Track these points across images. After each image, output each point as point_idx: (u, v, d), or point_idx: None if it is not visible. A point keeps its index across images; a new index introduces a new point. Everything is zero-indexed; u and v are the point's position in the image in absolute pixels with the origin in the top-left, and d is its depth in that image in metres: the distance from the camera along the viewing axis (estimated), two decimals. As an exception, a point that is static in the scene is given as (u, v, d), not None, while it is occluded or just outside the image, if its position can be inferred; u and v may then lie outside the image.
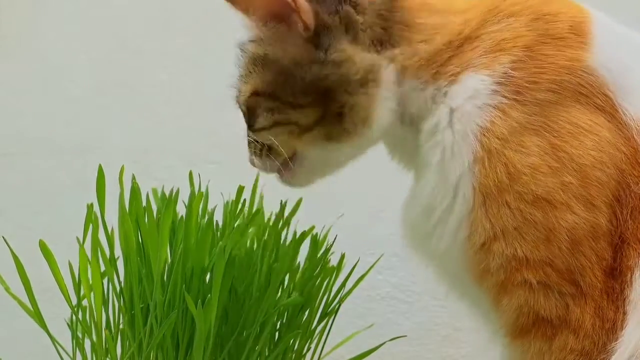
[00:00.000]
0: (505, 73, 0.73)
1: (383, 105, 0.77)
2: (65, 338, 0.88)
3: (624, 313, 0.68)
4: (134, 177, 0.86)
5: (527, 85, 0.72)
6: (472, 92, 0.73)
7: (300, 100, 0.77)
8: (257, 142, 0.82)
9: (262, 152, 0.82)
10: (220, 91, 1.42)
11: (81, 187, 1.38)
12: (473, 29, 0.76)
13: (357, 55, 0.76)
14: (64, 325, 0.89)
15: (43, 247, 0.86)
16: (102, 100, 1.44)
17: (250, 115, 0.82)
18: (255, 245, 0.89)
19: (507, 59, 0.73)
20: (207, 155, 1.38)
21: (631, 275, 0.69)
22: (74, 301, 0.87)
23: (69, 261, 0.87)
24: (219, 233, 0.89)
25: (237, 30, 1.43)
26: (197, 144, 1.40)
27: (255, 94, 0.81)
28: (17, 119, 1.45)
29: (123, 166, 0.88)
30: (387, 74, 0.77)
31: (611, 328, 0.69)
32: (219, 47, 1.43)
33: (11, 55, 1.48)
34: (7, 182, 1.43)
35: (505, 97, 0.72)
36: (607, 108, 0.72)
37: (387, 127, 0.79)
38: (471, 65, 0.74)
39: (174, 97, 1.43)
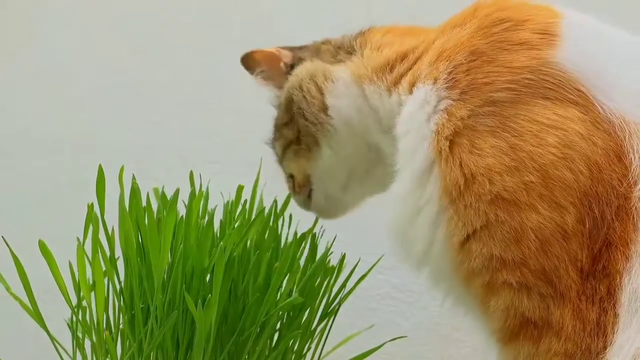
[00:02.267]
0: (446, 79, 0.74)
1: (340, 99, 0.86)
2: (65, 338, 0.88)
3: (615, 316, 0.67)
4: (134, 177, 0.86)
5: (477, 86, 0.73)
6: (421, 101, 0.76)
7: (285, 118, 0.92)
8: (288, 177, 0.95)
9: (293, 187, 0.95)
10: (220, 91, 1.42)
11: (81, 187, 1.39)
12: (427, 46, 0.81)
13: (309, 64, 0.91)
14: (64, 325, 0.89)
15: (42, 247, 0.86)
16: (102, 100, 1.44)
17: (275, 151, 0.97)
18: (254, 245, 0.89)
19: (446, 66, 0.75)
20: (207, 155, 1.39)
21: (620, 279, 0.67)
22: (74, 301, 0.87)
23: (69, 261, 0.87)
24: (219, 233, 0.89)
25: (237, 31, 1.44)
26: (197, 144, 1.41)
27: (275, 128, 0.96)
28: (17, 118, 1.45)
29: (123, 166, 0.89)
30: (340, 72, 0.87)
31: (594, 330, 0.68)
32: (219, 47, 1.44)
33: (11, 55, 1.48)
34: (7, 182, 1.43)
35: (451, 99, 0.73)
36: (582, 102, 0.71)
37: (353, 122, 0.86)
38: (419, 77, 0.78)
39: (174, 97, 1.44)
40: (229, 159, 1.38)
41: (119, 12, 1.47)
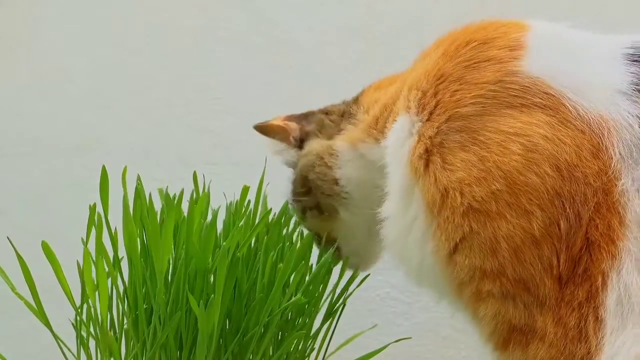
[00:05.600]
0: (416, 105, 0.77)
1: (345, 167, 0.92)
2: (65, 336, 0.88)
3: (598, 320, 0.67)
4: (139, 178, 0.87)
5: (443, 104, 0.75)
6: (398, 131, 0.79)
7: (302, 188, 0.96)
8: (314, 234, 0.98)
9: (319, 243, 0.98)
10: (220, 92, 1.42)
11: (81, 187, 1.39)
12: (401, 85, 0.84)
13: (316, 144, 0.95)
14: (63, 324, 0.89)
15: (46, 248, 0.86)
16: (102, 100, 1.45)
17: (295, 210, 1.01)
18: (257, 246, 0.89)
19: (415, 94, 0.78)
20: (207, 155, 1.39)
21: (604, 279, 0.67)
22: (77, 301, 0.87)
23: (77, 261, 0.87)
24: (222, 234, 0.89)
25: (237, 31, 1.44)
26: (197, 144, 1.41)
27: (293, 192, 1.00)
28: (17, 119, 1.45)
29: (125, 167, 0.89)
30: (338, 144, 0.93)
31: (576, 336, 0.68)
32: (219, 47, 1.44)
33: (11, 55, 1.48)
34: (7, 182, 1.43)
35: (421, 121, 0.76)
36: (551, 104, 0.71)
37: (360, 182, 0.91)
38: (397, 113, 0.81)
39: (174, 97, 1.44)
40: (229, 160, 1.38)
41: (119, 13, 1.47)
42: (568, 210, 0.69)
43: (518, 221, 0.70)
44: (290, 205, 0.99)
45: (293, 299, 0.85)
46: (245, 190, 0.94)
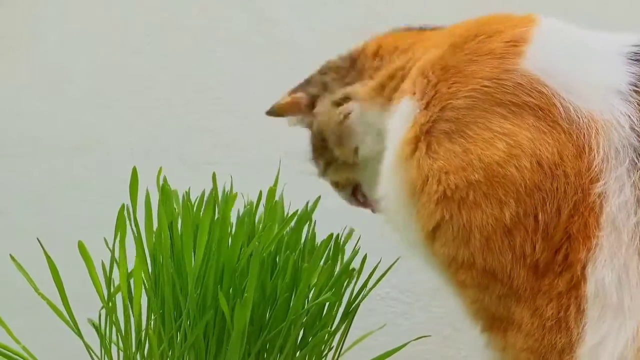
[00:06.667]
0: (420, 92, 0.78)
1: (356, 131, 0.92)
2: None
3: (579, 310, 0.68)
4: (165, 179, 0.87)
5: (440, 95, 0.76)
6: (401, 113, 0.81)
7: (322, 146, 0.98)
8: (333, 183, 1.03)
9: (337, 189, 1.03)
10: (220, 92, 1.43)
11: (81, 187, 1.39)
12: (412, 63, 0.85)
13: (325, 104, 0.96)
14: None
15: (81, 247, 0.87)
16: (102, 100, 1.45)
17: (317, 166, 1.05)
18: (278, 246, 0.91)
19: (421, 81, 0.79)
20: (207, 155, 1.39)
21: (582, 269, 0.69)
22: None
23: (102, 261, 0.87)
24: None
25: (237, 31, 1.44)
26: (197, 144, 1.41)
27: (313, 150, 1.03)
28: (17, 119, 1.45)
29: (161, 168, 0.90)
30: (350, 107, 0.92)
31: (554, 326, 0.69)
32: (219, 48, 1.44)
33: (11, 55, 1.48)
34: (7, 182, 1.43)
35: (419, 109, 0.78)
36: (541, 103, 0.72)
37: (373, 151, 0.90)
38: (403, 92, 0.82)
39: (174, 97, 1.44)
40: (229, 160, 1.38)
41: (119, 13, 1.47)
42: (547, 204, 0.71)
43: (492, 211, 0.72)
44: (313, 163, 1.02)
45: (324, 296, 0.86)
46: (272, 191, 0.95)
